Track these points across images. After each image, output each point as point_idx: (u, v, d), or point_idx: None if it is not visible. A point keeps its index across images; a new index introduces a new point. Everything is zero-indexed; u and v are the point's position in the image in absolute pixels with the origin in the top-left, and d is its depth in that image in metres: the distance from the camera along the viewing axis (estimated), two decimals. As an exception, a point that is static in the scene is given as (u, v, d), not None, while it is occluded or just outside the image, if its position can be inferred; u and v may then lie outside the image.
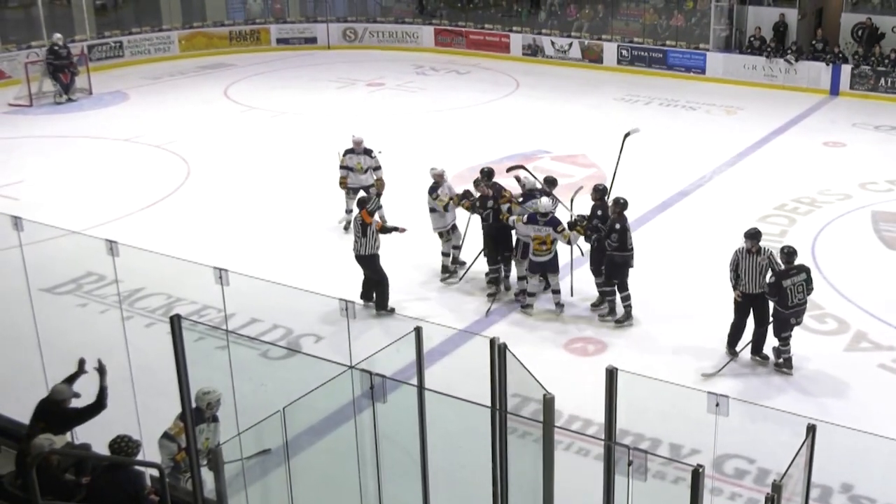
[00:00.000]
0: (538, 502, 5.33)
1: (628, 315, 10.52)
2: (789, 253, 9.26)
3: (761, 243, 9.49)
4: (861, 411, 8.62)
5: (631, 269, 10.49)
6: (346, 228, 12.87)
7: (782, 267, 9.23)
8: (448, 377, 6.36)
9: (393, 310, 10.79)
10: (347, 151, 12.92)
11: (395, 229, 10.84)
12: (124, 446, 6.28)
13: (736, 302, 9.60)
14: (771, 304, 9.35)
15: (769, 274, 9.29)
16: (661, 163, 16.53)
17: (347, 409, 6.26)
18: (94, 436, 7.20)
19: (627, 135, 11.94)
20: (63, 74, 21.13)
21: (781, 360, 9.49)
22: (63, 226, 11.11)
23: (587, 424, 8.47)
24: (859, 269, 12.02)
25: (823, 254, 12.41)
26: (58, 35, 21.67)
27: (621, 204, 10.41)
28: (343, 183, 12.94)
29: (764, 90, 22.26)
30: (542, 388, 4.92)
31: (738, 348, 9.63)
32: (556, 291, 10.85)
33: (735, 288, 9.55)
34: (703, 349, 9.95)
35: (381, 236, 10.70)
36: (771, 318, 9.40)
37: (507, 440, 6.20)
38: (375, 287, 10.80)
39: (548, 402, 4.85)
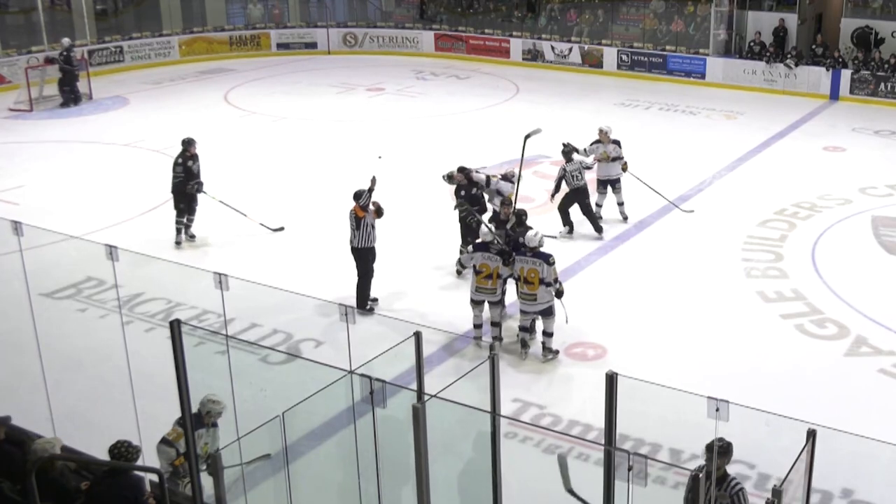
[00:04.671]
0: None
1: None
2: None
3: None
4: (861, 416, 8.59)
5: None
6: None
7: None
8: (447, 382, 6.33)
9: (371, 309, 10.78)
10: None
11: (371, 188, 10.70)
12: (124, 451, 6.27)
13: None
14: None
15: None
16: (661, 168, 16.52)
17: (347, 414, 6.25)
18: (94, 441, 7.19)
19: (528, 136, 11.90)
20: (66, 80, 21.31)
21: None
22: (63, 231, 11.10)
23: (587, 429, 8.46)
24: (859, 273, 12.01)
25: (823, 258, 12.41)
26: (66, 39, 21.93)
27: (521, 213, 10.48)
28: None
29: (764, 95, 22.28)
30: (424, 393, 4.93)
31: None
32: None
33: None
34: (703, 353, 9.95)
35: (377, 232, 10.72)
36: None
37: (506, 445, 6.18)
38: (358, 280, 10.81)
39: (415, 411, 4.85)
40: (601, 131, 13.51)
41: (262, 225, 12.84)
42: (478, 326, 10.09)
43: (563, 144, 13.13)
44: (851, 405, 8.95)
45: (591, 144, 13.54)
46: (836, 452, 8.16)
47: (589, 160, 13.24)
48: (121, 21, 27.08)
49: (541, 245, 9.70)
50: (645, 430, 8.18)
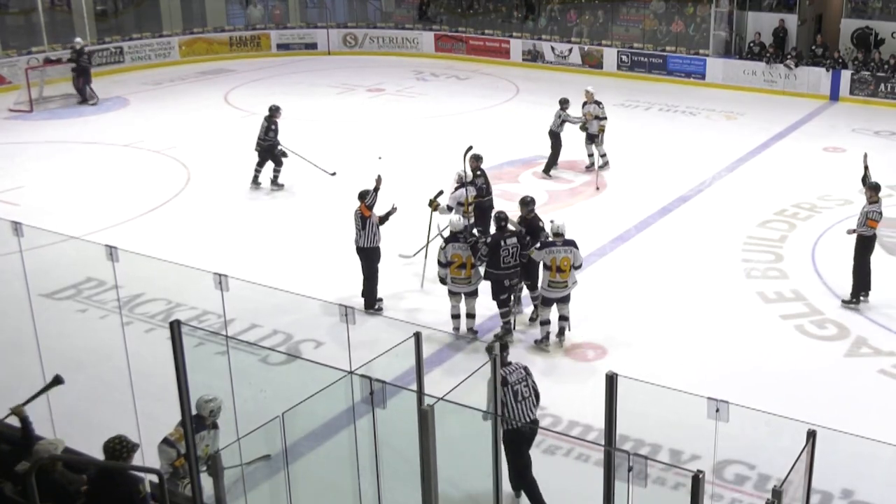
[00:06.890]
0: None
1: (508, 331, 10.24)
2: None
3: None
4: (861, 417, 8.60)
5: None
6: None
7: None
8: (447, 383, 6.35)
9: (380, 309, 10.80)
10: None
11: (390, 213, 10.90)
12: (118, 447, 6.18)
13: None
14: None
15: None
16: (661, 168, 16.54)
17: (347, 414, 6.25)
18: (94, 441, 7.18)
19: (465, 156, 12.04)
20: (82, 79, 21.46)
21: None
22: (63, 231, 11.11)
23: (587, 430, 8.46)
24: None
25: (823, 259, 12.41)
26: (78, 39, 22.05)
27: (502, 217, 10.25)
28: None
29: (764, 95, 22.28)
30: (424, 394, 4.91)
31: None
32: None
33: None
34: (703, 353, 9.95)
35: (383, 230, 10.76)
36: None
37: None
38: (364, 283, 10.83)
39: (423, 414, 4.83)
40: (587, 92, 15.97)
41: (320, 168, 15.43)
42: (455, 317, 10.27)
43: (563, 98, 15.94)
44: (851, 405, 8.95)
45: (583, 110, 16.04)
46: (836, 453, 8.16)
47: (580, 120, 15.87)
48: (121, 22, 27.08)
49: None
50: (645, 430, 8.18)
